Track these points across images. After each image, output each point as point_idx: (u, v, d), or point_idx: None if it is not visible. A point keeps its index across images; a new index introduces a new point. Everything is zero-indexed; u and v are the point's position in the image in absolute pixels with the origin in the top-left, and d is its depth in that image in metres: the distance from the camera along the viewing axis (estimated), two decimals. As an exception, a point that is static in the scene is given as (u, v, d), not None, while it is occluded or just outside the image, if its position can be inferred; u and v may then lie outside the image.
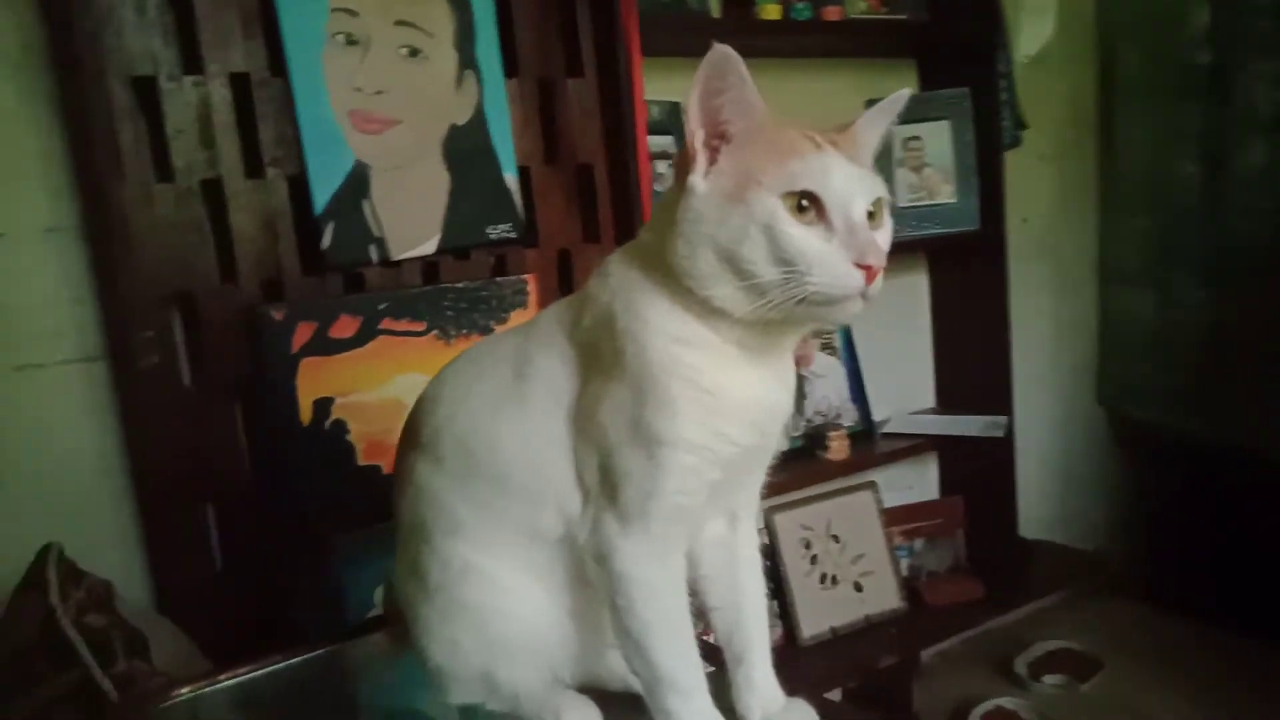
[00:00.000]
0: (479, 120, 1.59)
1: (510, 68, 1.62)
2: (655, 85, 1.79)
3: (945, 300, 2.49)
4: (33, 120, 1.39)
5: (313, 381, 1.46)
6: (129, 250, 1.35)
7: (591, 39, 1.70)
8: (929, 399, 2.54)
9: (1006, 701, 2.20)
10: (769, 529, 2.22)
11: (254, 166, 1.44)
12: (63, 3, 1.30)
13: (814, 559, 2.26)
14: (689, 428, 0.72)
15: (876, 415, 2.33)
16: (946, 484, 2.58)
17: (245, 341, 1.44)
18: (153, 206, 1.35)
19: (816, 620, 2.22)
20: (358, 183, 1.48)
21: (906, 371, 2.50)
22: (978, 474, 2.45)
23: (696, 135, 0.73)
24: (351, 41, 1.47)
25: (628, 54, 1.66)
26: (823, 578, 2.26)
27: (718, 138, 0.73)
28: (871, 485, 2.35)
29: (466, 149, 1.57)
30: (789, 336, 0.78)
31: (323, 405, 1.46)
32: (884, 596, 2.31)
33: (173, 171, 1.37)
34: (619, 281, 0.77)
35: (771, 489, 2.03)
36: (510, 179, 1.62)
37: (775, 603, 2.22)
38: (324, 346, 1.46)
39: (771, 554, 2.22)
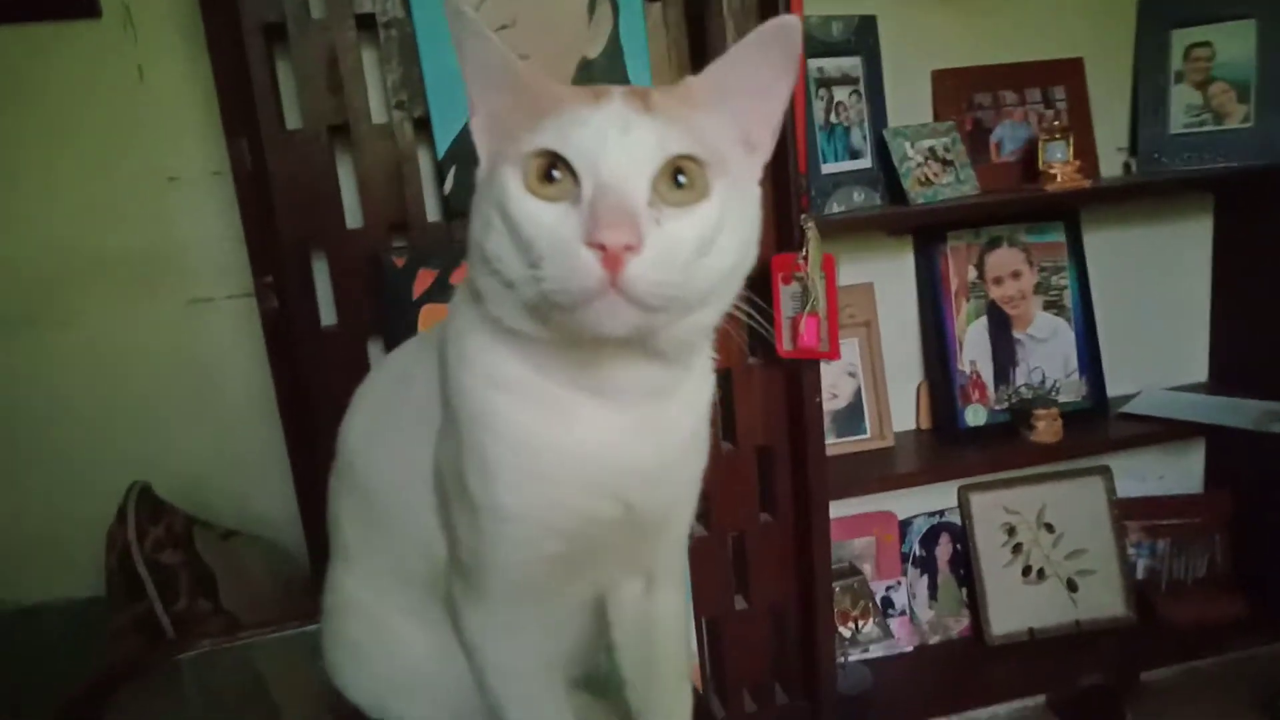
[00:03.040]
0: (614, 52, 1.46)
1: (653, -9, 1.46)
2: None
3: (1234, 252, 1.98)
4: (200, 73, 1.47)
5: (434, 329, 1.46)
6: (266, 194, 1.40)
7: (753, -50, 1.48)
8: (1199, 372, 2.07)
9: (1254, 749, 1.80)
10: (962, 508, 1.95)
11: (382, 111, 1.43)
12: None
13: (1017, 548, 1.96)
14: (507, 493, 0.58)
15: (1117, 389, 1.94)
16: (1213, 476, 2.11)
17: (375, 286, 1.46)
18: (284, 152, 1.39)
19: (1012, 618, 1.94)
20: (481, 125, 1.42)
21: (1171, 337, 2.04)
22: (1256, 467, 1.98)
23: (475, 117, 0.58)
24: (477, -27, 1.39)
25: (790, -35, 1.43)
26: (1026, 570, 1.96)
27: (500, 119, 0.57)
28: (1103, 471, 1.98)
29: (599, 83, 1.45)
30: (642, 369, 0.58)
31: (443, 353, 1.46)
32: (1104, 601, 1.96)
33: (302, 117, 1.39)
34: (458, 299, 0.63)
35: (965, 468, 1.83)
36: (648, 116, 1.48)
37: (963, 591, 1.98)
38: (445, 294, 1.45)
39: (964, 536, 1.97)
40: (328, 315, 1.50)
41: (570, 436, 0.58)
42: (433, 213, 1.49)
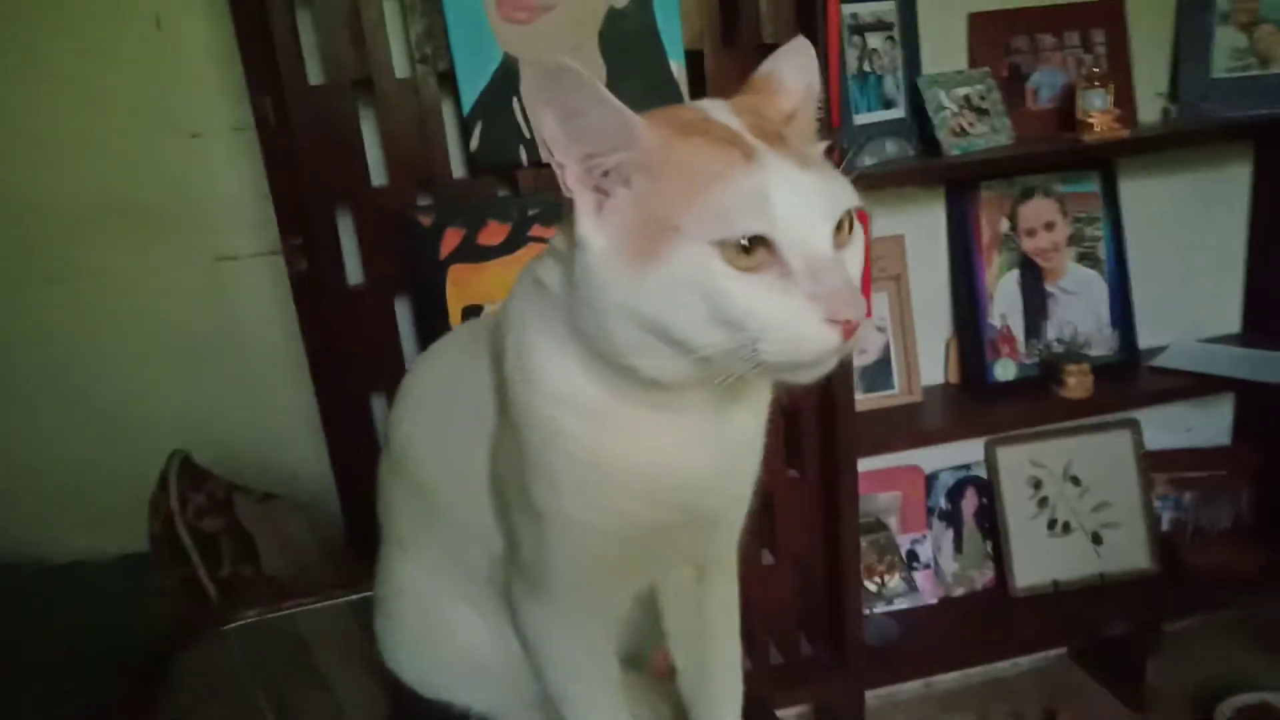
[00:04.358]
0: (643, 1, 1.41)
1: (682, -65, 1.41)
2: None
3: (1273, 201, 1.93)
4: (218, 23, 1.44)
5: (462, 288, 1.44)
6: (290, 150, 1.38)
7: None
8: (1233, 323, 2.04)
9: (1276, 698, 1.81)
10: (988, 462, 1.95)
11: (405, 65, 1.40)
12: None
13: (1043, 501, 1.96)
14: (571, 504, 0.58)
15: (1148, 340, 1.91)
16: (1242, 428, 2.09)
17: (402, 244, 1.44)
18: (307, 107, 1.36)
19: (1036, 570, 1.95)
20: (507, 79, 1.39)
21: (1205, 287, 2.00)
22: (1285, 420, 1.97)
23: (566, 171, 0.53)
24: (501, -81, 1.34)
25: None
26: (1052, 524, 1.97)
27: (598, 172, 0.53)
28: (1131, 424, 1.96)
29: (626, 34, 1.41)
30: (741, 394, 0.59)
31: (472, 313, 1.45)
32: (1129, 553, 1.97)
33: (324, 71, 1.36)
34: (519, 307, 0.60)
35: (993, 424, 1.82)
36: (676, 66, 1.44)
37: (988, 544, 1.98)
38: (473, 254, 1.43)
39: (989, 490, 1.97)
40: (354, 274, 1.49)
41: (639, 452, 0.58)
42: (458, 169, 1.47)
